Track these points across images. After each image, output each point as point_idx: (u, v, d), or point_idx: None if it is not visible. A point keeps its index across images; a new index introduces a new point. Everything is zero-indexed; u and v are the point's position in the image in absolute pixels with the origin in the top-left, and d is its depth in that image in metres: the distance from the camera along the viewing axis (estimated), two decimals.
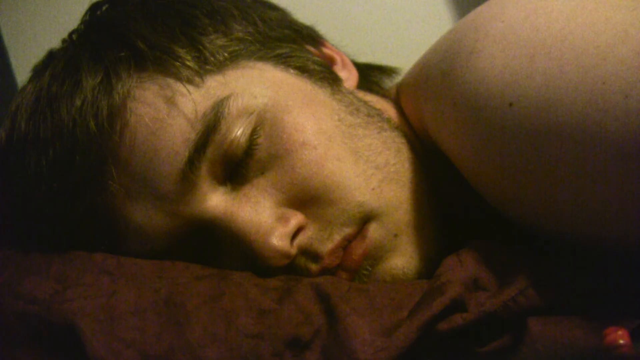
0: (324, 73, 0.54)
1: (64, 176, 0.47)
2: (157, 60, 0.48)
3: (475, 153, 0.45)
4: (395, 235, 0.50)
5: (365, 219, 0.49)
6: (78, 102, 0.47)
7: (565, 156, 0.40)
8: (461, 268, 0.44)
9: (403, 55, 0.65)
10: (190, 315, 0.42)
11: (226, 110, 0.47)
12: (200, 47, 0.49)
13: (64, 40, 0.55)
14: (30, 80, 0.53)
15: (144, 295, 0.44)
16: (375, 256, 0.49)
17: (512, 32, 0.44)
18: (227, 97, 0.48)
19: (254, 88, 0.49)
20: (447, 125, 0.48)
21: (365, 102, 0.55)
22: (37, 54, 0.56)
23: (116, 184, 0.47)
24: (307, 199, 0.48)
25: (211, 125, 0.47)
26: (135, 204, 0.47)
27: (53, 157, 0.47)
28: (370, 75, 0.67)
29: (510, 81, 0.42)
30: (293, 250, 0.47)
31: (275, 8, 0.60)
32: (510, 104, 0.42)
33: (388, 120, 0.55)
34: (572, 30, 0.41)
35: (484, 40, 0.45)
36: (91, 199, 0.47)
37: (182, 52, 0.49)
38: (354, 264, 0.48)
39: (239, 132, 0.47)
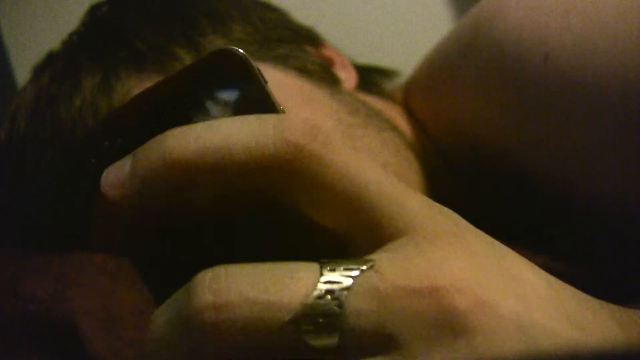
0: (323, 73, 0.54)
1: (62, 177, 0.47)
2: (156, 60, 0.48)
3: (512, 114, 0.45)
4: None
5: None
6: (77, 103, 0.47)
7: (603, 104, 0.40)
8: None
9: (403, 56, 0.65)
10: None
11: None
12: (199, 48, 0.50)
13: (63, 41, 0.55)
14: (30, 81, 0.53)
15: (144, 295, 0.44)
16: None
17: None
18: None
19: None
20: (477, 95, 0.47)
21: (364, 103, 0.55)
22: (37, 54, 0.56)
23: None
24: None
25: None
26: None
27: (52, 157, 0.47)
28: (370, 77, 0.67)
29: (543, 35, 0.42)
30: None
31: (274, 9, 0.60)
32: (546, 56, 0.42)
33: (387, 121, 0.55)
34: None
35: (507, 6, 0.45)
36: (90, 199, 0.47)
37: (181, 52, 0.49)
38: None
39: None
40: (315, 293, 0.21)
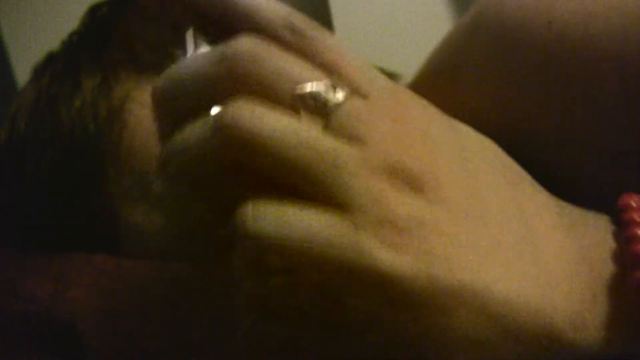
0: None
1: (62, 177, 0.47)
2: (156, 62, 0.48)
3: (514, 109, 0.45)
4: None
5: None
6: (77, 104, 0.47)
7: (601, 74, 0.39)
8: None
9: (403, 57, 0.65)
10: None
11: None
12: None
13: (63, 41, 0.55)
14: (30, 81, 0.53)
15: (144, 296, 0.44)
16: None
17: None
18: None
19: None
20: (477, 94, 0.47)
21: None
22: (37, 54, 0.56)
23: (115, 185, 0.47)
24: None
25: None
26: (135, 205, 0.47)
27: (52, 158, 0.48)
28: None
29: (547, 3, 0.42)
30: None
31: None
32: (549, 22, 0.42)
33: None
34: None
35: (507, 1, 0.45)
36: (90, 199, 0.47)
37: (180, 53, 0.49)
38: None
39: None
40: (324, 83, 0.29)
